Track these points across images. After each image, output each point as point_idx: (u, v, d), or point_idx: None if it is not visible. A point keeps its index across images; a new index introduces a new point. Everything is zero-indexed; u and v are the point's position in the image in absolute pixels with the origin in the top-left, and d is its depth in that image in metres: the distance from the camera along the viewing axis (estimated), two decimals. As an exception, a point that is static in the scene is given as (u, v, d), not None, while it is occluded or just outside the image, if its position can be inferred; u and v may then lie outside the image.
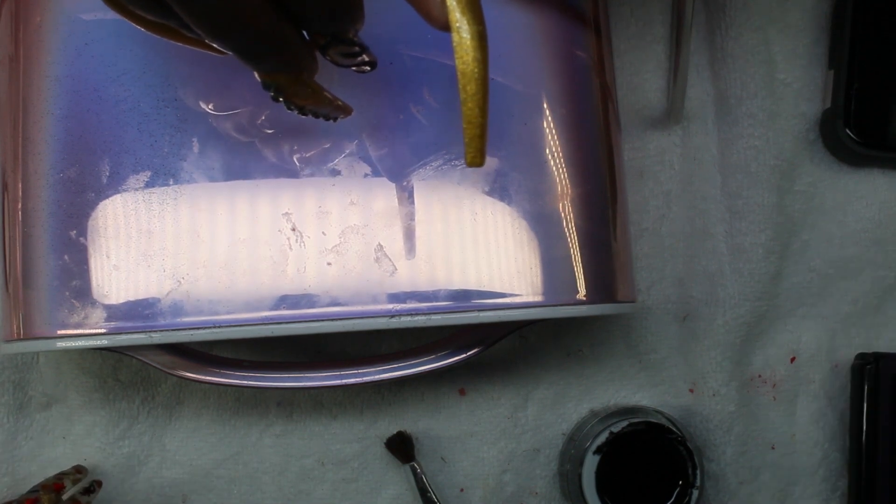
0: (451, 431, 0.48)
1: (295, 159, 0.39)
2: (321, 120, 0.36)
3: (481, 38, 0.29)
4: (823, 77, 0.49)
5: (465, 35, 0.29)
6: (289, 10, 0.29)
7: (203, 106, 0.39)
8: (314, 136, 0.39)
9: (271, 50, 0.29)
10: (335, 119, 0.37)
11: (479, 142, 0.30)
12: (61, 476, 0.44)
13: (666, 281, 0.49)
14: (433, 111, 0.39)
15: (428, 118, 0.39)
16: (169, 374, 0.41)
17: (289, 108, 0.34)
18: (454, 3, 0.28)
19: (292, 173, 0.39)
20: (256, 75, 0.32)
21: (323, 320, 0.38)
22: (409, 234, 0.39)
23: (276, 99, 0.33)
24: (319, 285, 0.38)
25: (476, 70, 0.29)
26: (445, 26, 0.29)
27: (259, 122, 0.39)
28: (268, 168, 0.39)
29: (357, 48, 0.33)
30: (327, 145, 0.39)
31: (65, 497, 0.43)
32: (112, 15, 0.31)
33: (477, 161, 0.31)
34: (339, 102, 0.36)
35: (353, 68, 0.34)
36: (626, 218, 0.43)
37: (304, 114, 0.35)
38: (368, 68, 0.34)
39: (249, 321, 0.38)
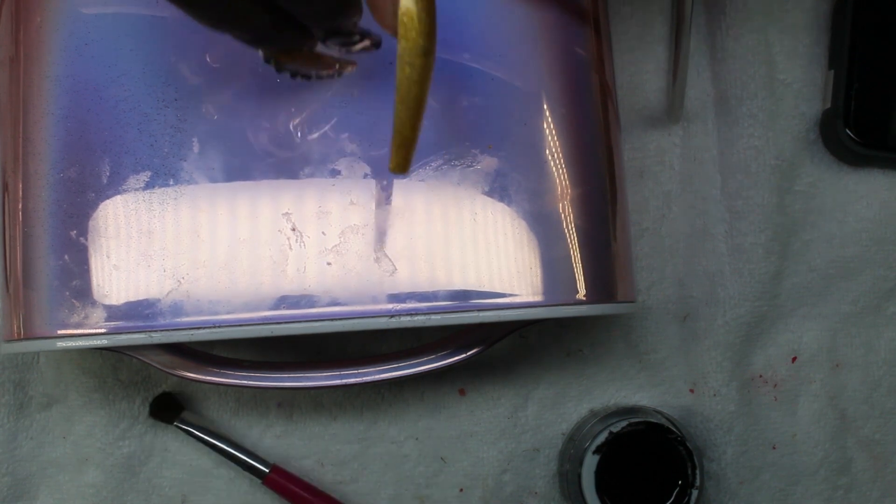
0: (451, 431, 0.48)
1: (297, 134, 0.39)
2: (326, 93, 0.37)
3: (426, 54, 0.29)
4: (823, 77, 0.49)
5: (408, 43, 0.28)
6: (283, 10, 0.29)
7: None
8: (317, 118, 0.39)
9: (269, 37, 0.31)
10: (338, 75, 0.36)
11: (405, 151, 0.31)
12: None
13: (666, 281, 0.49)
14: (433, 111, 0.39)
15: (428, 118, 0.39)
16: (169, 374, 0.41)
17: (279, 71, 0.35)
18: (407, 5, 0.28)
19: (292, 173, 0.39)
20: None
21: (323, 320, 0.38)
22: (409, 234, 0.39)
23: (266, 61, 0.34)
24: (319, 285, 0.38)
25: (415, 79, 0.29)
26: (394, 32, 0.29)
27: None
28: (268, 168, 0.39)
29: (356, 37, 0.33)
30: (328, 126, 0.39)
31: None
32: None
33: (400, 168, 0.31)
34: (339, 63, 0.36)
35: (356, 52, 0.34)
36: (626, 218, 0.43)
37: (294, 77, 0.35)
38: (374, 48, 0.34)
39: (249, 321, 0.38)
